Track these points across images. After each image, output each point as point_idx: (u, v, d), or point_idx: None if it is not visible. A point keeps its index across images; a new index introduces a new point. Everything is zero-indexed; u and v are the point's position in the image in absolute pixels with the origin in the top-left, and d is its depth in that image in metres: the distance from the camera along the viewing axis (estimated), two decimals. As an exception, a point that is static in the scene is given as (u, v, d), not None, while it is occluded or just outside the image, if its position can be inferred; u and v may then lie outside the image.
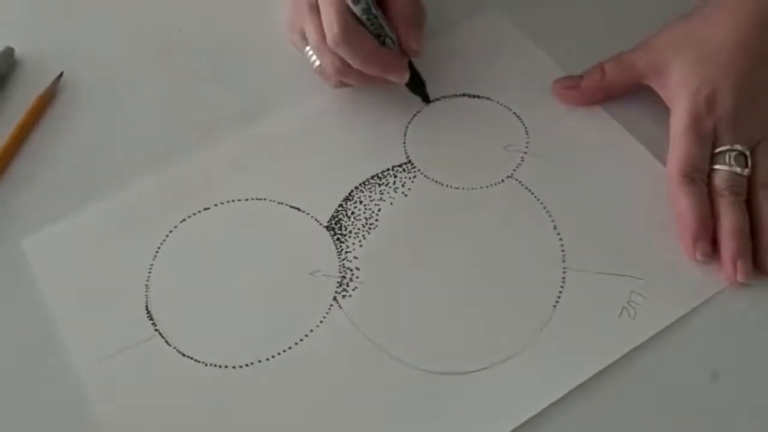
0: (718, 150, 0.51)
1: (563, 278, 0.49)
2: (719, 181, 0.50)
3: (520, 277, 0.49)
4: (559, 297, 0.48)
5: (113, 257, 0.51)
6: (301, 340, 0.47)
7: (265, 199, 0.53)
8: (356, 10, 0.51)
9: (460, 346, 0.47)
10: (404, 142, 0.55)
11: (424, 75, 0.56)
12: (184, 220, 0.52)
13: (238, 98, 0.57)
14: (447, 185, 0.53)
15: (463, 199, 0.52)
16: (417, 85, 0.56)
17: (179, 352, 0.47)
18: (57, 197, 0.54)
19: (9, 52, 0.60)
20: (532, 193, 0.52)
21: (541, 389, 0.45)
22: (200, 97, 0.58)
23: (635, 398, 0.45)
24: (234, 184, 0.53)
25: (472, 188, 0.53)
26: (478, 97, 0.57)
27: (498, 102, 0.57)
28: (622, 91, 0.55)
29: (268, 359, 0.47)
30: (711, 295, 0.48)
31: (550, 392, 0.45)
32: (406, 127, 0.56)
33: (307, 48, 0.54)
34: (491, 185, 0.53)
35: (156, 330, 0.48)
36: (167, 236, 0.51)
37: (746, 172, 0.50)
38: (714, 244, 0.49)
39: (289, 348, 0.47)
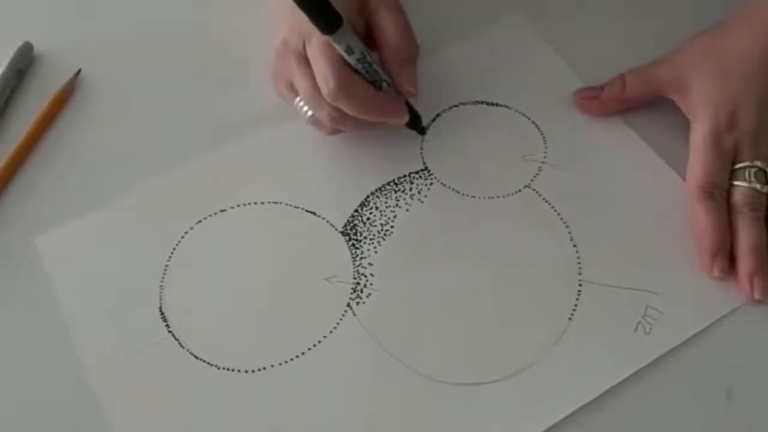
0: (737, 166, 0.50)
1: (579, 290, 0.49)
2: (738, 197, 0.50)
3: (536, 288, 0.49)
4: (574, 309, 0.48)
5: (128, 257, 0.51)
6: (315, 345, 0.47)
7: (281, 203, 0.53)
8: (351, 60, 0.49)
9: (473, 357, 0.47)
10: (421, 149, 0.55)
11: (442, 82, 0.56)
12: (200, 221, 0.52)
13: (257, 99, 0.57)
14: (464, 193, 0.53)
15: (480, 208, 0.52)
16: (414, 122, 0.54)
17: (192, 354, 0.47)
18: (72, 195, 0.54)
19: (28, 47, 0.60)
20: (549, 204, 0.52)
21: (553, 403, 0.45)
22: (219, 97, 0.58)
23: (649, 414, 0.45)
24: (250, 186, 0.53)
25: (489, 197, 0.53)
26: (497, 105, 0.57)
27: (516, 110, 0.57)
28: (642, 102, 0.55)
29: (281, 364, 0.47)
30: (727, 312, 0.48)
31: (563, 406, 0.45)
32: (425, 135, 0.56)
33: (297, 99, 0.52)
34: (508, 195, 0.53)
35: (169, 332, 0.48)
36: (183, 237, 0.51)
37: (766, 189, 0.50)
38: (731, 260, 0.49)
39: (302, 354, 0.47)
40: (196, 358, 0.47)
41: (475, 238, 0.51)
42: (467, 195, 0.53)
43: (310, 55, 0.49)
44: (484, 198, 0.53)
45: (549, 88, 0.57)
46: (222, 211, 0.52)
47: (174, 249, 0.51)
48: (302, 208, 0.52)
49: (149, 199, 0.53)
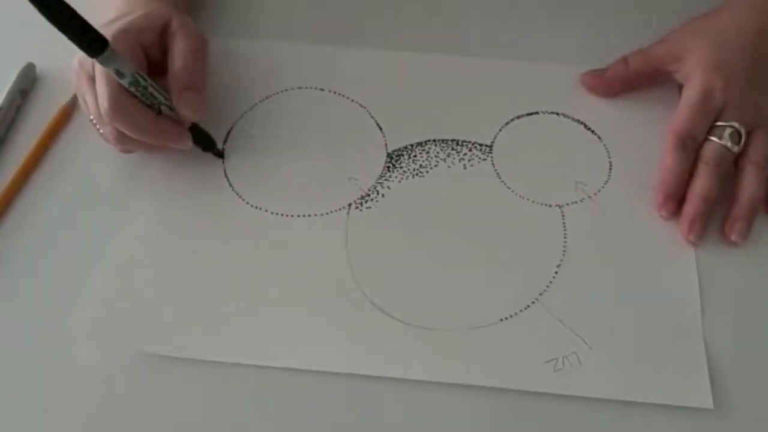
0: (717, 123, 0.55)
1: (527, 307, 0.52)
2: (708, 150, 0.54)
3: (503, 279, 0.53)
4: (510, 316, 0.51)
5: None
6: (306, 215, 0.56)
7: (365, 108, 0.61)
8: (124, 83, 0.51)
9: (434, 303, 0.52)
10: (500, 130, 0.59)
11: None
12: (291, 89, 0.62)
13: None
14: (503, 180, 0.57)
15: (506, 199, 0.56)
16: (205, 146, 0.57)
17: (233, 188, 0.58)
18: (77, 209, 0.57)
19: (31, 68, 0.63)
20: (564, 230, 0.55)
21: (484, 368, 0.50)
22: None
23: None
24: (356, 87, 0.61)
25: (520, 195, 0.56)
26: (592, 131, 0.59)
27: (605, 145, 0.59)
28: (646, 80, 0.59)
29: (292, 216, 0.56)
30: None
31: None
32: (512, 120, 0.60)
33: (91, 116, 0.55)
34: (536, 202, 0.56)
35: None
36: (265, 99, 0.61)
37: (736, 149, 0.54)
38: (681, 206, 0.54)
39: (298, 215, 0.56)
40: (233, 189, 0.57)
41: (484, 218, 0.55)
42: (504, 183, 0.57)
43: (96, 75, 0.52)
44: (515, 193, 0.56)
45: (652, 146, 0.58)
46: (320, 89, 0.62)
47: (256, 104, 0.61)
48: (375, 121, 0.60)
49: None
